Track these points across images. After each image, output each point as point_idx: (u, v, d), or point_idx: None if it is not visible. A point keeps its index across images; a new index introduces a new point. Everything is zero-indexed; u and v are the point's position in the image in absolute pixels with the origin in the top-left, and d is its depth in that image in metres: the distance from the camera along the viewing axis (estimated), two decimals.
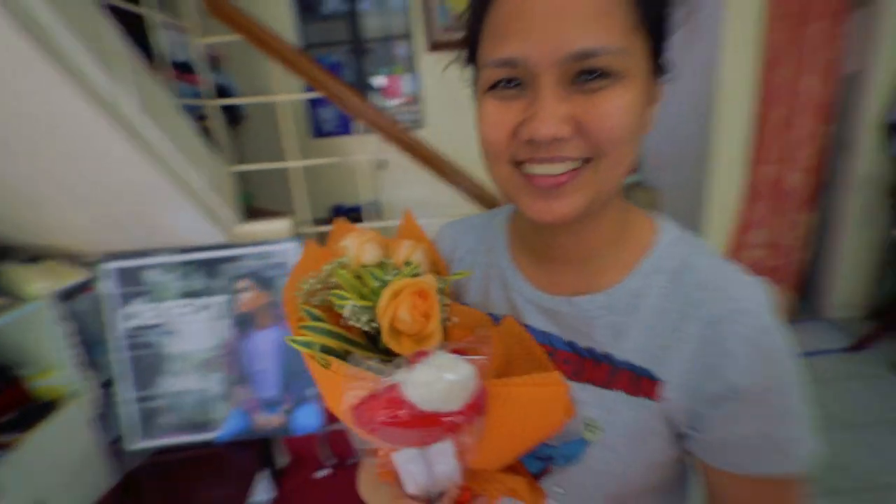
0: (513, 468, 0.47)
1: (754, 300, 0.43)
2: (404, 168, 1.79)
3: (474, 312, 0.46)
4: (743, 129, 2.50)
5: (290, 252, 1.49)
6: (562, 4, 0.35)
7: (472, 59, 0.45)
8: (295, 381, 1.49)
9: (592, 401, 0.45)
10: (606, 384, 0.45)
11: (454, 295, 0.49)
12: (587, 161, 0.39)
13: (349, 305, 0.40)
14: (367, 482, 0.50)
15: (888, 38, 2.42)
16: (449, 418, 0.37)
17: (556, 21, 0.35)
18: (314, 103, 2.43)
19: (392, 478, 0.45)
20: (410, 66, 2.44)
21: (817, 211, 2.83)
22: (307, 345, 0.41)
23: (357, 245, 0.44)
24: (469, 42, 0.44)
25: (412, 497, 0.44)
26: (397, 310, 0.38)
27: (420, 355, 0.38)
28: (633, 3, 0.37)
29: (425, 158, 1.59)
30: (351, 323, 0.41)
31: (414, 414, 0.36)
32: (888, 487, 1.75)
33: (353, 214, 2.46)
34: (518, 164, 0.41)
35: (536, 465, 0.48)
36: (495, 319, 0.47)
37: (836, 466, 1.86)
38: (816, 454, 0.44)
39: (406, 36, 2.40)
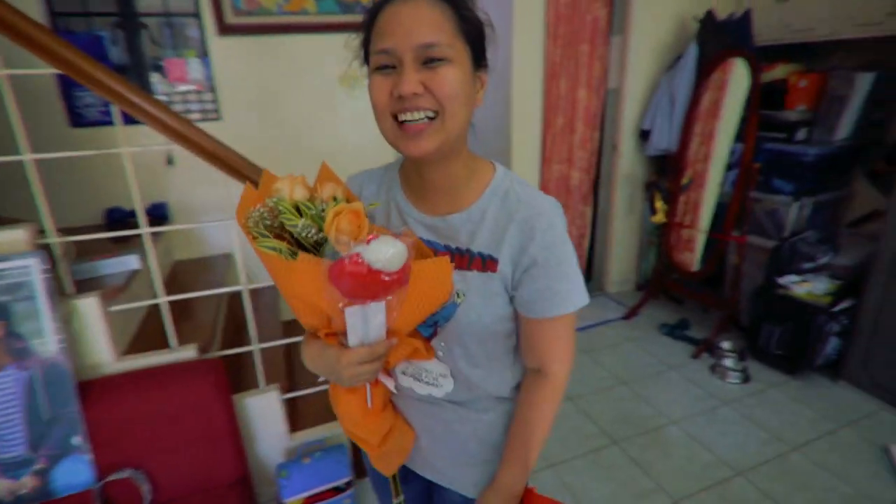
0: (412, 334, 0.71)
1: (548, 208, 0.70)
2: (195, 166, 1.55)
3: (384, 229, 0.65)
4: (535, 133, 2.81)
5: (32, 269, 1.17)
6: (414, 18, 0.60)
7: (365, 57, 0.68)
8: (50, 432, 1.18)
9: (458, 279, 0.70)
10: (467, 267, 0.71)
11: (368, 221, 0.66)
12: (436, 115, 0.62)
13: (300, 223, 0.59)
14: (311, 354, 0.70)
15: (636, 60, 2.96)
16: (389, 277, 0.56)
17: (411, 27, 0.60)
18: (70, 85, 1.99)
19: (335, 341, 0.65)
20: (203, 49, 2.17)
21: (594, 204, 3.34)
22: (275, 249, 0.59)
23: (289, 187, 0.62)
24: (363, 44, 0.67)
25: (353, 348, 0.63)
26: (340, 223, 0.58)
27: (372, 237, 0.56)
28: (455, 20, 0.63)
29: (215, 155, 1.40)
30: (300, 236, 0.60)
31: (368, 271, 0.55)
32: (658, 429, 2.13)
33: (131, 220, 2.07)
34: (395, 118, 0.63)
35: (427, 331, 0.73)
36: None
37: (619, 419, 2.19)
38: (582, 302, 0.72)
39: (195, 15, 2.12)
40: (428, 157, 0.65)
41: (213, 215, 2.24)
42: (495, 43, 0.69)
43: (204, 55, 2.19)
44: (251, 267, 2.46)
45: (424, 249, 0.70)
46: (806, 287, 2.38)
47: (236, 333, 2.05)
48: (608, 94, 3.09)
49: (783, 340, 2.40)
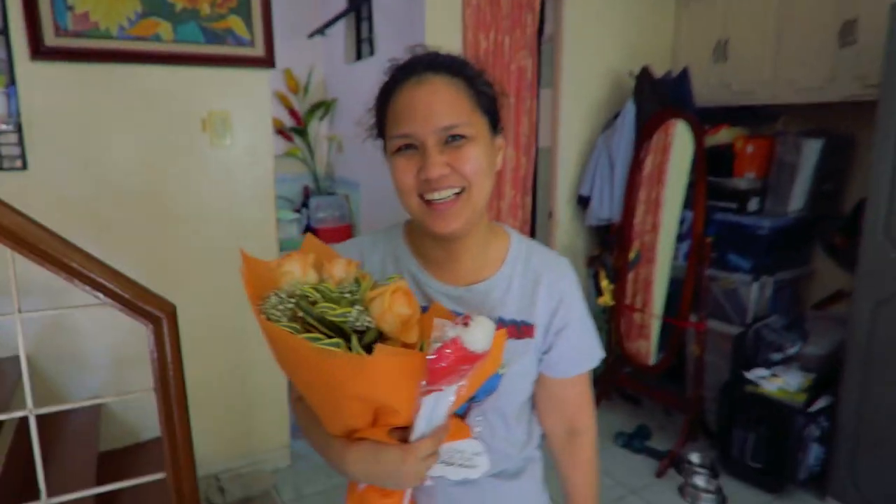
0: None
1: (568, 268, 0.88)
2: None
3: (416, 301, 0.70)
4: None
5: None
6: (432, 100, 0.72)
7: (380, 133, 0.80)
8: None
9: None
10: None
11: None
12: (462, 191, 0.74)
13: (354, 312, 0.62)
14: (355, 458, 0.69)
15: (568, 116, 3.06)
16: (482, 354, 0.62)
17: (430, 110, 0.72)
18: None
19: (396, 438, 0.68)
20: (11, 76, 1.91)
21: None
22: (336, 345, 0.61)
23: (301, 269, 0.67)
24: (378, 124, 0.80)
25: (421, 441, 0.67)
26: (394, 306, 0.63)
27: (468, 319, 0.62)
28: (471, 95, 0.75)
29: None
30: (354, 325, 0.63)
31: (466, 354, 0.61)
32: None
33: None
34: (421, 197, 0.75)
35: (462, 407, 0.79)
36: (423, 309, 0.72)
37: None
38: (602, 354, 0.90)
39: (1, 31, 1.88)
40: (457, 233, 0.76)
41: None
42: (509, 106, 0.82)
43: (10, 83, 1.93)
44: (53, 375, 2.07)
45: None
46: (777, 383, 2.39)
47: (24, 479, 1.66)
48: (539, 154, 3.15)
49: (759, 449, 2.36)
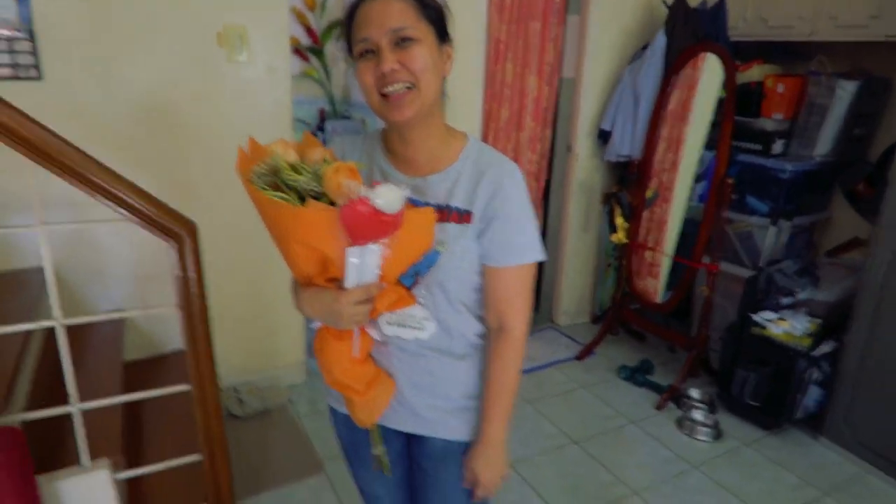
0: (395, 285, 0.93)
1: (512, 169, 0.97)
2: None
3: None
4: (474, 125, 2.68)
5: None
6: (383, 9, 0.85)
7: (349, 49, 0.92)
8: None
9: (439, 231, 0.93)
10: (447, 220, 0.94)
11: None
12: (412, 86, 0.87)
13: (302, 178, 0.80)
14: (307, 299, 0.93)
15: (595, 46, 2.92)
16: (389, 218, 0.78)
17: (382, 17, 0.85)
18: None
19: (333, 285, 0.88)
20: None
21: (543, 217, 3.25)
22: (284, 198, 0.79)
23: (282, 149, 0.83)
24: (346, 38, 0.92)
25: (351, 289, 0.86)
26: (340, 177, 0.77)
27: (376, 184, 0.78)
28: (418, 9, 0.88)
29: (17, 135, 1.10)
30: (302, 190, 0.80)
31: (374, 212, 0.76)
32: (617, 501, 2.02)
33: None
34: (380, 94, 0.88)
35: (408, 281, 0.94)
36: None
37: (570, 489, 2.07)
38: (537, 257, 0.97)
39: None
40: (409, 121, 0.89)
41: (17, 216, 1.88)
42: (453, 20, 0.93)
43: None
44: (77, 287, 2.10)
45: (410, 206, 0.87)
46: (784, 326, 2.40)
47: (51, 387, 1.71)
48: (562, 85, 3.03)
49: (759, 389, 2.40)
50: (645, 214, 2.88)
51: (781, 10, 2.68)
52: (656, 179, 2.83)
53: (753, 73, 2.78)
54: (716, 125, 2.60)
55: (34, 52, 1.90)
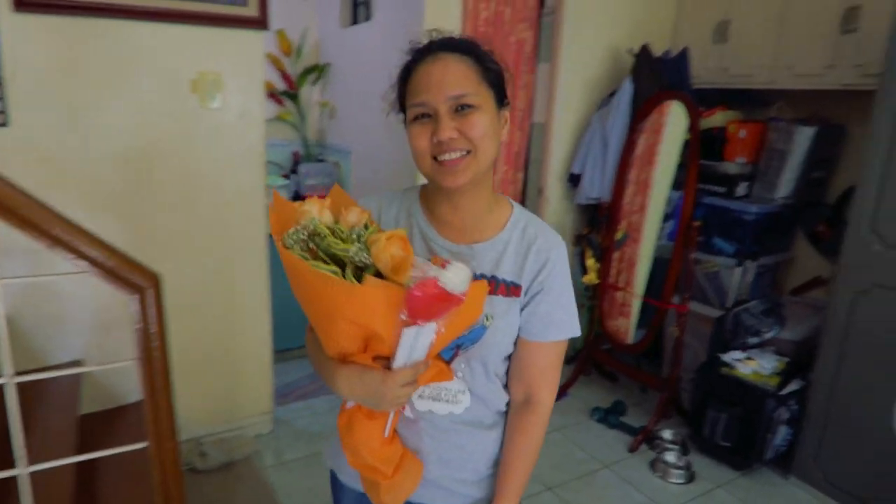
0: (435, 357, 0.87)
1: (559, 242, 0.95)
2: None
3: (438, 258, 0.89)
4: None
5: None
6: (444, 73, 0.83)
7: (401, 108, 0.92)
8: None
9: (487, 303, 0.87)
10: (494, 292, 0.90)
11: None
12: (469, 152, 0.84)
13: (353, 249, 0.74)
14: (348, 378, 0.82)
15: (565, 93, 3.00)
16: (457, 298, 0.72)
17: (442, 82, 0.82)
18: None
19: (379, 365, 0.81)
20: None
21: None
22: (333, 271, 0.73)
23: (318, 210, 0.78)
24: (399, 96, 0.92)
25: (400, 370, 0.79)
26: (391, 248, 0.72)
27: (445, 263, 0.74)
28: (478, 70, 0.85)
29: None
30: (350, 260, 0.74)
31: (443, 293, 0.71)
32: None
33: None
34: (434, 159, 0.85)
35: (448, 353, 0.91)
36: None
37: None
38: (575, 332, 0.95)
39: None
40: (462, 187, 0.86)
41: None
42: (512, 83, 0.95)
43: None
44: (33, 336, 2.03)
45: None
46: (752, 366, 2.42)
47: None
48: (533, 130, 3.09)
49: (729, 429, 2.41)
50: (615, 255, 2.92)
51: (741, 59, 2.80)
52: (625, 221, 2.88)
53: (716, 118, 2.88)
54: (682, 167, 2.67)
55: (1, 98, 1.87)
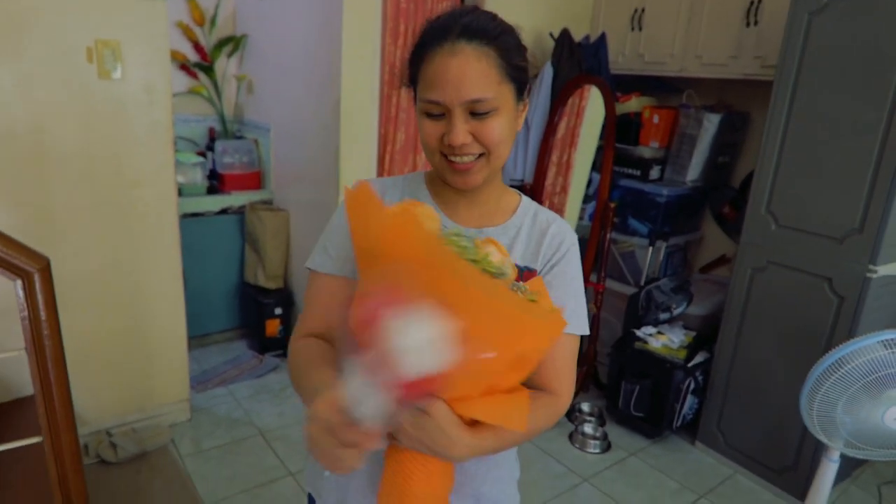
0: None
1: (572, 231, 0.92)
2: None
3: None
4: (370, 150, 2.66)
5: None
6: (462, 72, 0.74)
7: (412, 83, 0.83)
8: None
9: None
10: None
11: None
12: (482, 155, 0.79)
13: (507, 261, 0.73)
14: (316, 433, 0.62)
15: None
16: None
17: (460, 82, 0.74)
18: None
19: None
20: None
21: None
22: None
23: (499, 258, 0.73)
24: (410, 75, 0.83)
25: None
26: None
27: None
28: (501, 68, 0.76)
29: None
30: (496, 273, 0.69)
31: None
32: None
33: None
34: (443, 155, 0.80)
35: None
36: None
37: None
38: (584, 330, 0.89)
39: None
40: (474, 189, 0.84)
41: None
42: (533, 65, 0.90)
43: None
44: None
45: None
46: (662, 340, 2.57)
47: None
48: None
49: (642, 400, 2.54)
50: None
51: (655, 47, 2.91)
52: (548, 202, 2.95)
53: (632, 104, 2.99)
54: (601, 149, 2.76)
55: None
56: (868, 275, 1.97)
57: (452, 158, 0.78)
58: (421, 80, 0.78)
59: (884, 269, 1.99)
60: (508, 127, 0.79)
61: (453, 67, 0.74)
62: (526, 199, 0.95)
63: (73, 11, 1.89)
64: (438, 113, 0.77)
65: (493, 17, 0.80)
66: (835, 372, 1.54)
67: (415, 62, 0.80)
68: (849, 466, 2.32)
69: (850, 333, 1.99)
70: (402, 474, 0.70)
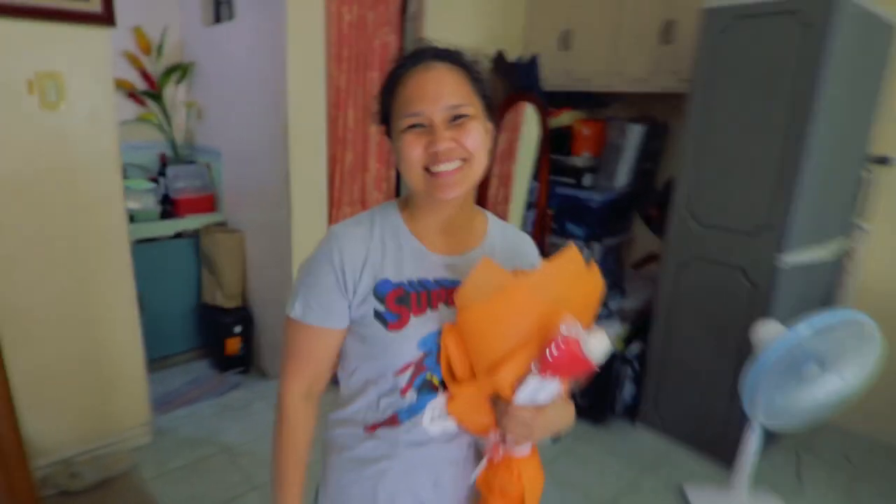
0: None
1: (530, 240, 0.99)
2: None
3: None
4: (320, 170, 2.62)
5: None
6: (439, 84, 0.78)
7: (384, 119, 0.86)
8: None
9: None
10: None
11: (376, 273, 0.84)
12: (464, 161, 0.79)
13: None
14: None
15: None
16: (591, 363, 0.71)
17: (438, 92, 0.78)
18: None
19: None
20: None
21: None
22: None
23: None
24: (381, 109, 0.86)
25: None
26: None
27: (595, 329, 0.72)
28: (470, 81, 0.81)
29: None
30: None
31: (580, 356, 0.70)
32: None
33: None
34: (425, 169, 0.79)
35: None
36: (411, 286, 0.84)
37: None
38: None
39: None
40: (456, 199, 0.82)
41: None
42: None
43: None
44: None
45: None
46: None
47: None
48: None
49: (586, 389, 2.59)
50: None
51: (583, 65, 2.99)
52: (492, 211, 2.97)
53: (564, 118, 3.05)
54: (539, 161, 2.80)
55: None
56: (777, 264, 2.07)
57: (436, 169, 0.78)
58: (397, 101, 0.80)
59: (790, 258, 2.09)
60: (483, 137, 0.81)
61: (431, 80, 0.78)
62: (490, 216, 0.95)
63: (13, 44, 1.78)
64: (419, 125, 0.78)
65: (459, 49, 0.84)
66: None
67: (388, 91, 0.83)
68: (772, 435, 2.43)
69: (764, 315, 2.08)
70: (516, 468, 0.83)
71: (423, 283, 0.83)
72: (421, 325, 0.81)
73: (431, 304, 0.83)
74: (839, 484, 2.32)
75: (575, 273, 0.77)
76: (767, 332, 1.82)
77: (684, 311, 2.38)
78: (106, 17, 1.89)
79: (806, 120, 1.94)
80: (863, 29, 2.04)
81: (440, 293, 0.84)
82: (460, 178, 0.79)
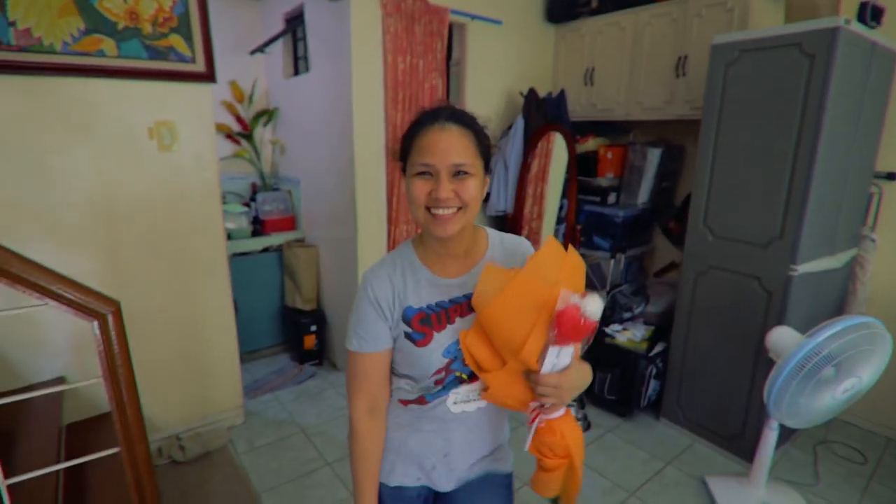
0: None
1: (527, 243, 0.98)
2: None
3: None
4: (380, 194, 2.67)
5: None
6: (449, 143, 0.81)
7: (402, 157, 0.89)
8: None
9: None
10: None
11: (402, 302, 0.91)
12: (460, 209, 0.84)
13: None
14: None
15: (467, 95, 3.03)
16: (592, 325, 0.73)
17: (447, 150, 0.81)
18: None
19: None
20: None
21: None
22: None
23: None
24: (402, 152, 0.88)
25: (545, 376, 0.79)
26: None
27: (586, 293, 0.74)
28: (475, 143, 0.84)
29: None
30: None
31: (581, 319, 0.72)
32: None
33: None
34: (427, 209, 0.84)
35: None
36: (430, 308, 0.91)
37: None
38: None
39: None
40: (453, 237, 0.86)
41: None
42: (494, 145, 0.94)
43: None
44: (15, 357, 1.85)
45: None
46: (627, 335, 2.53)
47: None
48: None
49: (614, 385, 2.51)
50: None
51: (604, 97, 2.93)
52: (527, 227, 2.95)
53: (589, 144, 2.99)
54: (567, 182, 2.75)
55: None
56: (790, 273, 1.95)
57: (436, 211, 0.83)
58: (414, 149, 0.84)
59: (802, 268, 1.97)
60: (479, 189, 0.85)
61: (444, 139, 0.81)
62: (490, 231, 0.98)
63: (137, 99, 1.92)
64: (428, 173, 0.82)
65: (471, 113, 0.88)
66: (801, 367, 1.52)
67: (409, 137, 0.86)
68: (788, 430, 2.27)
69: (779, 320, 1.96)
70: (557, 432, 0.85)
71: (440, 305, 0.90)
72: (444, 339, 0.89)
73: (450, 320, 0.89)
74: (854, 478, 2.14)
75: (559, 256, 0.81)
76: (782, 337, 1.71)
77: (703, 316, 2.27)
78: (209, 75, 2.01)
79: (813, 145, 1.83)
80: (865, 57, 1.91)
81: (455, 308, 0.90)
82: (455, 221, 0.84)
